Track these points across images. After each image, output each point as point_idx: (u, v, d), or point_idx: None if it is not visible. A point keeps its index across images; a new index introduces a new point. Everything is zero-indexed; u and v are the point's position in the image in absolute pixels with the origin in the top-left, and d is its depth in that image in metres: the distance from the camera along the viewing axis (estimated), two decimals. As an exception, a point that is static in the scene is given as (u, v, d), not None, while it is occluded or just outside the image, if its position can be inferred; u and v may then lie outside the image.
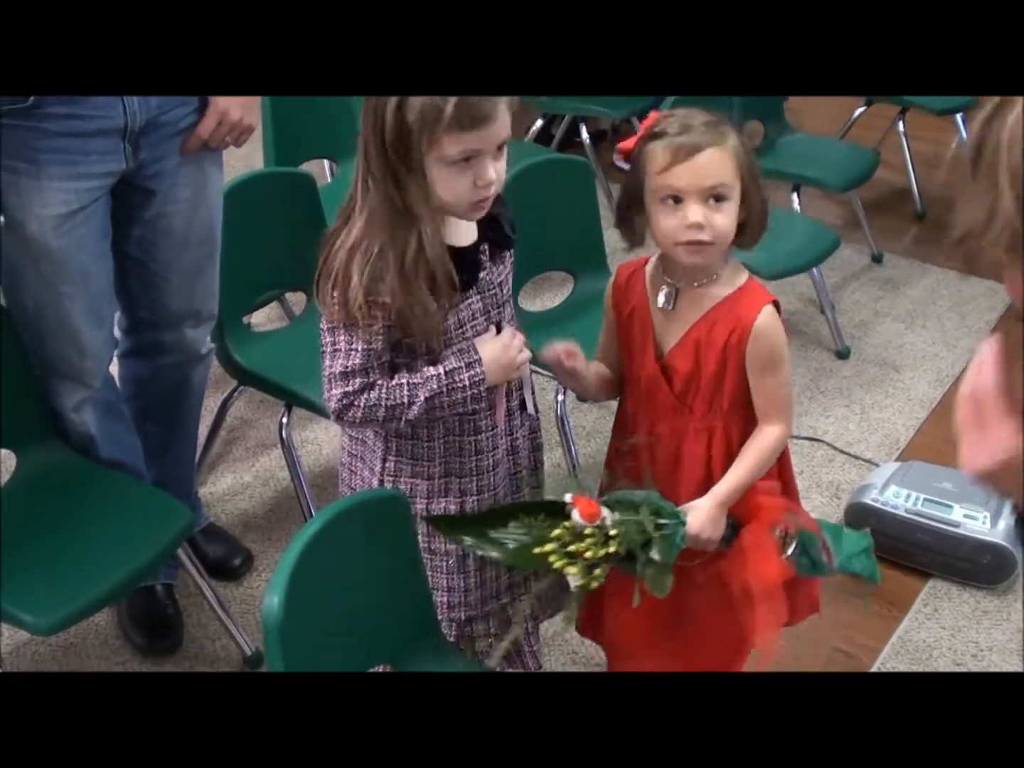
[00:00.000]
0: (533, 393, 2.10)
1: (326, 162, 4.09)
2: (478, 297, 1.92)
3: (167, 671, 2.58)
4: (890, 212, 4.89)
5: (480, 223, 1.92)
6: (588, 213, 3.07)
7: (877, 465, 3.28)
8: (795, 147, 4.31)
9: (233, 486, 3.15)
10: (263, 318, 3.66)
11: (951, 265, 4.50)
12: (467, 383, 1.89)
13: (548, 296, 3.71)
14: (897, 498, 2.94)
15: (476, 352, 1.91)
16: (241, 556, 2.89)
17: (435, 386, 1.87)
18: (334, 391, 1.86)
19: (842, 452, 3.37)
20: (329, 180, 4.02)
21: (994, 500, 2.89)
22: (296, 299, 3.30)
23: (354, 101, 3.78)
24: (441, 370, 1.88)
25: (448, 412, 1.91)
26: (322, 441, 3.32)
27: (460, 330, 1.90)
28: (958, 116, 5.12)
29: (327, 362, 1.87)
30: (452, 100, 1.70)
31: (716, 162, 1.90)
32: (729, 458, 2.06)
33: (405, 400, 1.86)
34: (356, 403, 1.86)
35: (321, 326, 1.88)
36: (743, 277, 2.05)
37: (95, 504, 2.39)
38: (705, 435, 2.07)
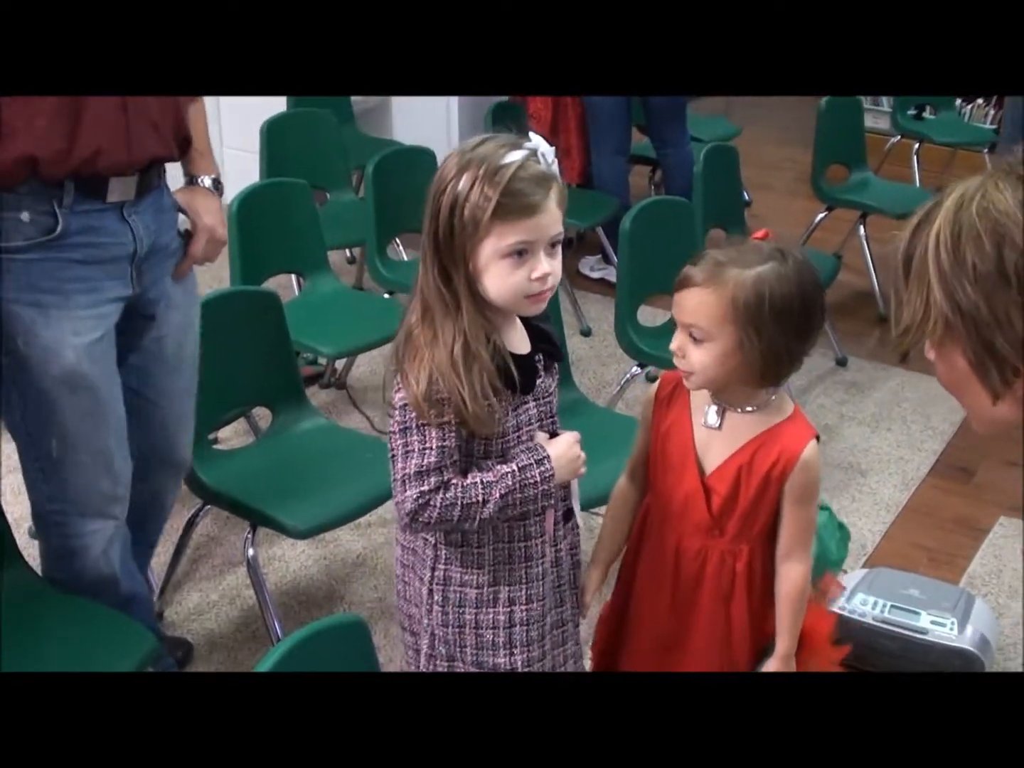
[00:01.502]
0: (579, 504, 2.09)
1: (293, 276, 4.13)
2: (534, 403, 1.94)
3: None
4: (854, 316, 4.95)
5: (532, 335, 1.94)
6: (553, 322, 3.08)
7: (845, 572, 3.28)
8: (757, 254, 4.34)
9: (200, 605, 3.13)
10: (230, 432, 3.66)
11: (915, 367, 4.54)
12: (538, 479, 1.89)
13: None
14: (864, 606, 2.94)
15: (544, 449, 1.93)
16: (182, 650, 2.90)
17: (509, 483, 1.87)
18: (408, 492, 1.85)
19: (810, 558, 3.38)
20: (296, 294, 4.05)
21: (961, 606, 2.90)
22: (262, 414, 3.30)
23: (322, 215, 3.83)
24: (514, 467, 1.89)
25: (519, 510, 1.91)
26: (289, 558, 3.30)
27: (517, 433, 1.91)
28: (917, 220, 5.20)
29: (399, 464, 1.86)
30: (499, 188, 1.75)
31: (697, 302, 1.93)
32: (749, 585, 2.08)
33: (480, 498, 1.86)
34: (432, 503, 1.85)
35: (391, 428, 1.88)
36: (790, 407, 2.06)
37: (56, 630, 2.37)
38: (731, 558, 2.07)
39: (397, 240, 4.40)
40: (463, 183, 1.77)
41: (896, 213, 4.97)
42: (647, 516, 2.17)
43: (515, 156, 1.78)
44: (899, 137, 6.19)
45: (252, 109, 4.56)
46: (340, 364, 4.17)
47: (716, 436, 2.04)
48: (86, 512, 2.39)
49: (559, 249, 1.85)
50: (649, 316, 3.77)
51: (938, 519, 3.64)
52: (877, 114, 7.02)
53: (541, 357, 1.96)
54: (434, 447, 1.84)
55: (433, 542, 1.98)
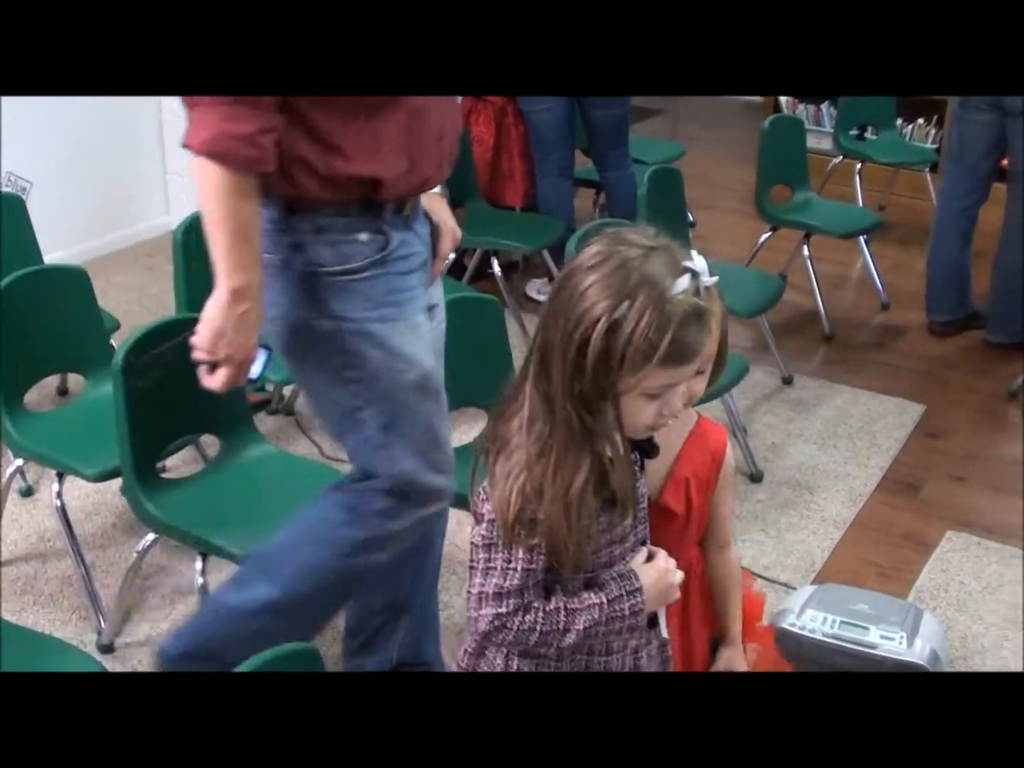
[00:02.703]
0: (667, 613, 1.96)
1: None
2: (630, 511, 1.81)
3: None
4: (799, 334, 4.99)
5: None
6: (499, 349, 3.11)
7: (794, 588, 3.30)
8: (702, 274, 4.37)
9: (150, 635, 3.10)
10: (177, 461, 3.64)
11: (860, 384, 4.59)
12: (627, 612, 1.77)
13: (461, 432, 3.71)
14: (814, 622, 2.95)
15: (637, 579, 1.80)
16: None
17: (596, 615, 1.75)
18: (484, 611, 1.73)
19: (759, 576, 3.39)
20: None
21: (910, 620, 2.92)
22: (210, 442, 3.28)
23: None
24: (604, 598, 1.76)
25: (602, 640, 1.81)
26: (239, 585, 3.28)
27: (610, 548, 1.79)
28: (861, 239, 5.27)
29: (478, 579, 1.74)
30: (669, 335, 1.58)
31: (714, 331, 1.84)
32: (701, 585, 2.16)
33: (562, 626, 1.73)
34: (508, 625, 1.72)
35: (473, 540, 1.76)
36: (691, 410, 2.05)
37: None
38: (695, 566, 2.12)
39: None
40: (626, 314, 1.58)
41: (839, 233, 5.04)
42: None
43: (682, 285, 1.61)
44: (841, 157, 6.25)
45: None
46: (288, 390, 4.16)
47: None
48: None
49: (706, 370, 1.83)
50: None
51: (886, 534, 3.67)
52: (819, 135, 7.08)
53: (637, 456, 1.83)
54: (519, 568, 1.71)
55: (505, 651, 1.86)
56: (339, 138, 2.11)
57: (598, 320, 1.58)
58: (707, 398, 3.57)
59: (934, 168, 6.43)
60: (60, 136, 5.11)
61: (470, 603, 1.76)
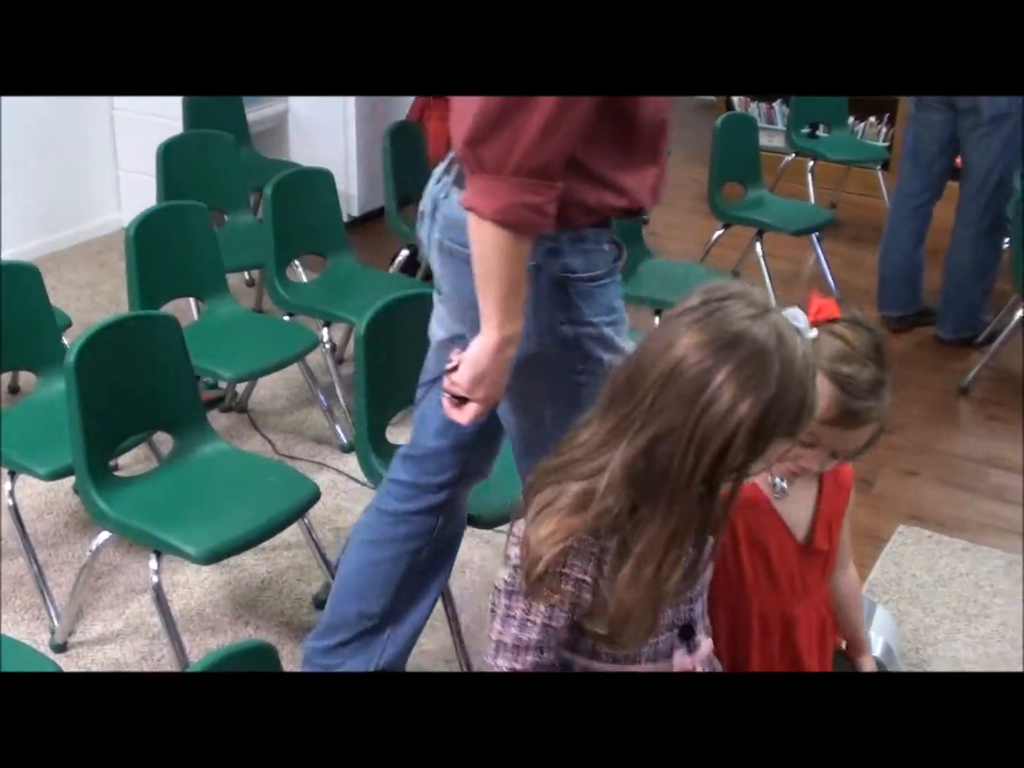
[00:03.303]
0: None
1: (192, 300, 4.09)
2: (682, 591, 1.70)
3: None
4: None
5: None
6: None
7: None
8: (656, 272, 4.40)
9: (103, 634, 3.08)
10: (130, 459, 3.62)
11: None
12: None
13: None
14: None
15: (671, 667, 1.73)
16: None
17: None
18: (500, 660, 1.67)
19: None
20: (196, 318, 4.02)
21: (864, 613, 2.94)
22: (163, 439, 3.26)
23: (221, 237, 3.80)
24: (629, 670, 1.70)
25: None
26: (193, 584, 3.27)
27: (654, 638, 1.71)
28: (813, 236, 5.30)
29: (497, 625, 1.68)
30: (808, 406, 1.52)
31: (867, 435, 1.83)
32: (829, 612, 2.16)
33: None
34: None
35: (496, 585, 1.69)
36: None
37: None
38: (823, 596, 2.13)
39: (296, 262, 4.37)
40: (773, 406, 1.49)
41: (792, 230, 5.07)
42: (738, 611, 2.03)
43: (802, 349, 1.53)
44: (794, 155, 6.28)
45: (148, 131, 4.51)
46: (241, 388, 4.14)
47: (789, 501, 1.99)
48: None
49: None
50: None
51: (839, 529, 3.69)
52: (772, 132, 7.12)
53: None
54: (538, 623, 1.63)
55: None
56: (614, 176, 2.17)
57: (744, 418, 1.47)
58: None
59: (885, 166, 6.48)
60: (11, 133, 5.06)
61: (488, 648, 1.70)
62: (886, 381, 1.82)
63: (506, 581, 1.66)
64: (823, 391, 1.67)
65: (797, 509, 2.01)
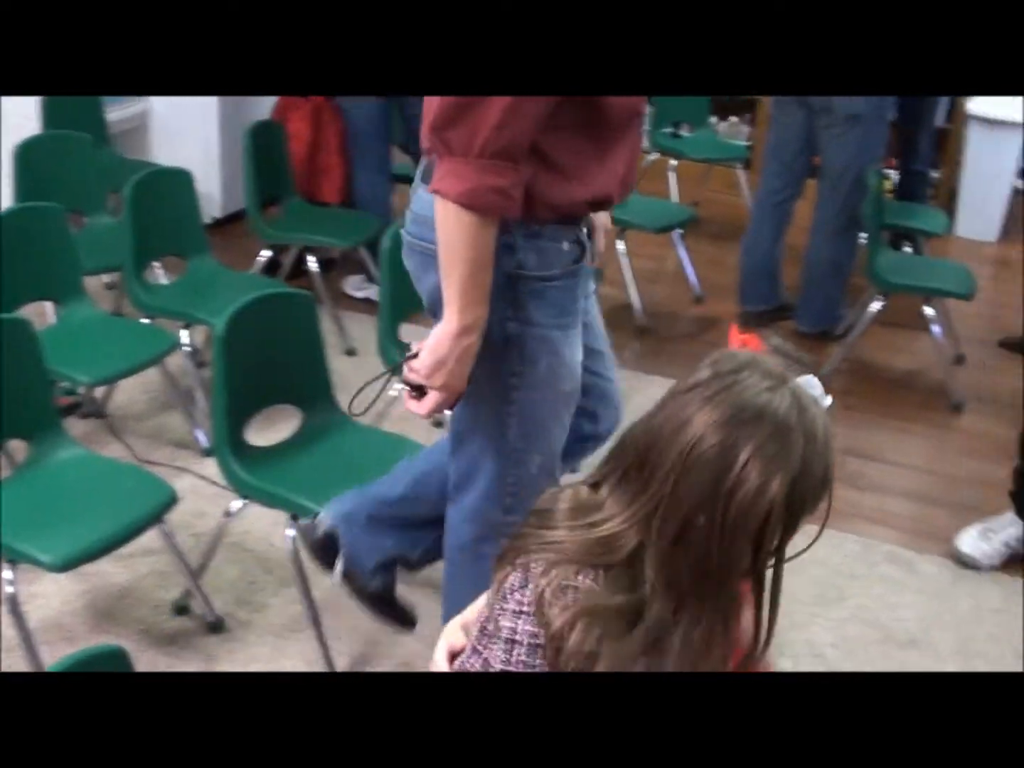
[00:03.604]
0: None
1: (48, 304, 4.01)
2: None
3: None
4: (614, 327, 4.98)
5: None
6: (313, 346, 3.08)
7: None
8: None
9: (-45, 648, 3.01)
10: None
11: (675, 375, 4.65)
12: None
13: (272, 431, 3.67)
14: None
15: None
16: None
17: None
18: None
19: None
20: (53, 321, 3.94)
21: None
22: (17, 446, 3.20)
23: (79, 239, 3.74)
24: None
25: None
26: (51, 594, 3.21)
27: None
28: (675, 233, 5.37)
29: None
30: (831, 475, 1.45)
31: None
32: None
33: None
34: None
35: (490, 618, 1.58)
36: None
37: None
38: None
39: (155, 263, 4.31)
40: (767, 479, 1.40)
41: (654, 228, 5.14)
42: None
43: (822, 419, 1.45)
44: (656, 154, 6.35)
45: (4, 131, 4.42)
46: (100, 392, 4.07)
47: None
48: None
49: None
50: (411, 334, 3.77)
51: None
52: (635, 131, 7.18)
53: None
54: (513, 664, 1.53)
55: None
56: (581, 166, 2.17)
57: (776, 496, 1.40)
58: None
59: (747, 165, 6.58)
60: None
61: None
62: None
63: (508, 627, 1.52)
64: None
65: None
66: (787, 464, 1.39)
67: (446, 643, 1.72)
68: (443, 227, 2.07)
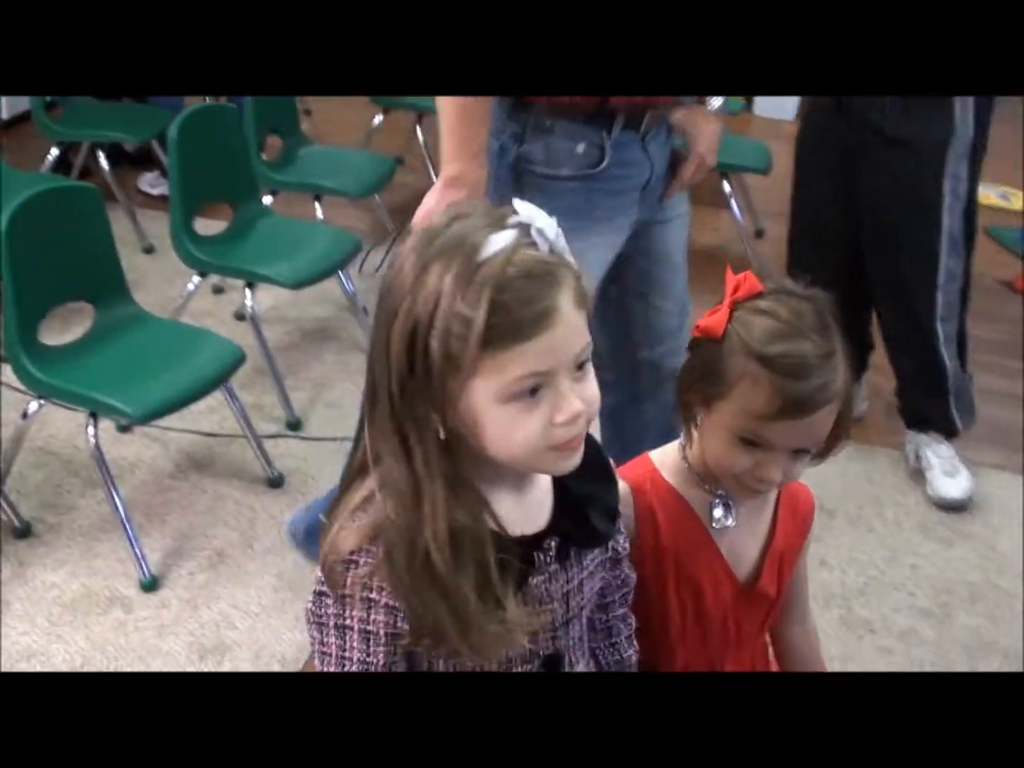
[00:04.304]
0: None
1: None
2: (522, 612, 1.29)
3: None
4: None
5: (558, 505, 1.35)
6: (102, 241, 3.02)
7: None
8: (314, 158, 4.40)
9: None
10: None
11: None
12: None
13: (64, 329, 3.59)
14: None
15: None
16: None
17: None
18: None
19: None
20: None
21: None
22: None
23: None
24: None
25: None
26: None
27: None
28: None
29: (317, 663, 1.32)
30: (484, 301, 1.14)
31: (827, 420, 1.46)
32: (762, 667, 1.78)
33: None
34: None
35: (308, 605, 1.33)
36: None
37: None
38: (760, 650, 1.77)
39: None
40: (426, 296, 1.16)
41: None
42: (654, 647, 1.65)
43: (499, 242, 1.17)
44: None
45: None
46: None
47: (732, 532, 1.61)
48: None
49: (589, 369, 1.24)
50: (206, 226, 3.72)
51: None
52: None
53: (555, 542, 1.34)
54: (355, 659, 1.29)
55: None
56: None
57: (397, 315, 1.18)
58: (319, 277, 3.61)
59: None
60: None
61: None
62: (835, 351, 1.44)
63: (313, 611, 1.31)
64: (759, 381, 1.42)
65: (743, 542, 1.63)
66: (443, 272, 1.16)
67: None
68: None
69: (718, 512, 1.58)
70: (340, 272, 3.81)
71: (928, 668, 2.76)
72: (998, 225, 5.26)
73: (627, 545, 1.50)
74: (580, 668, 1.44)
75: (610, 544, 1.44)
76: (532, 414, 1.19)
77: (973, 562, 3.16)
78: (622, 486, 1.52)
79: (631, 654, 1.57)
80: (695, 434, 1.52)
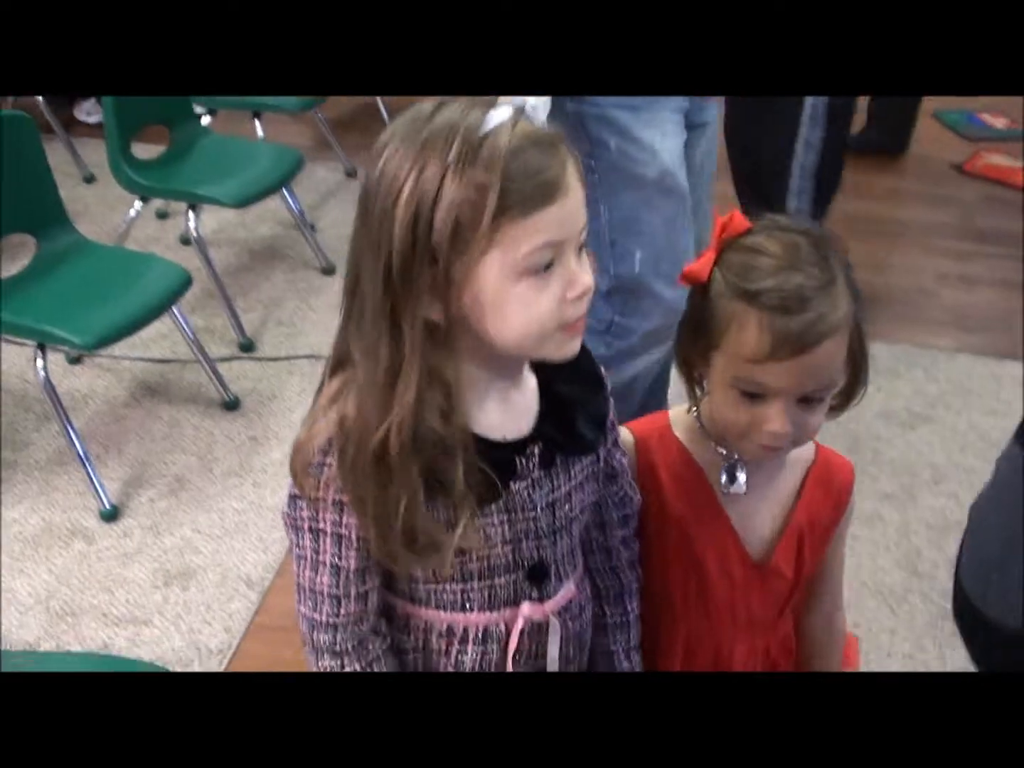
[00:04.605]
0: None
1: None
2: (504, 518, 1.29)
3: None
4: (357, 128, 4.98)
5: (544, 411, 1.32)
6: (39, 170, 2.96)
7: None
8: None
9: None
10: None
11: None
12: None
13: (13, 261, 3.51)
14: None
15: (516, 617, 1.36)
16: None
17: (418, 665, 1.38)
18: (301, 607, 1.33)
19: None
20: None
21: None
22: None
23: None
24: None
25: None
26: None
27: (461, 558, 1.30)
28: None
29: (294, 566, 1.32)
30: (497, 168, 1.12)
31: (830, 358, 1.34)
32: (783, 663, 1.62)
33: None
34: (317, 638, 1.33)
35: (284, 508, 1.31)
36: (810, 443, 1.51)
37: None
38: (785, 646, 1.61)
39: None
40: (429, 176, 1.12)
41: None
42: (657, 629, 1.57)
43: (499, 117, 1.15)
44: None
45: None
46: None
47: (746, 501, 1.49)
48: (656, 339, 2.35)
49: (584, 254, 1.22)
50: (145, 151, 3.65)
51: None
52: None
53: (539, 448, 1.31)
54: (327, 563, 1.28)
55: None
56: None
57: (397, 202, 1.13)
58: (262, 194, 3.56)
59: None
60: None
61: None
62: (833, 282, 1.33)
63: (287, 513, 1.30)
64: (746, 321, 1.32)
65: (757, 513, 1.50)
66: (446, 149, 1.13)
67: None
68: None
69: (726, 476, 1.46)
70: (284, 189, 3.76)
71: (893, 550, 2.79)
72: (944, 109, 5.25)
73: (624, 462, 1.45)
74: (570, 585, 1.40)
75: (601, 456, 1.39)
76: (543, 292, 1.17)
77: (936, 444, 3.19)
78: (625, 434, 1.48)
79: (631, 581, 1.51)
80: (699, 394, 1.45)
